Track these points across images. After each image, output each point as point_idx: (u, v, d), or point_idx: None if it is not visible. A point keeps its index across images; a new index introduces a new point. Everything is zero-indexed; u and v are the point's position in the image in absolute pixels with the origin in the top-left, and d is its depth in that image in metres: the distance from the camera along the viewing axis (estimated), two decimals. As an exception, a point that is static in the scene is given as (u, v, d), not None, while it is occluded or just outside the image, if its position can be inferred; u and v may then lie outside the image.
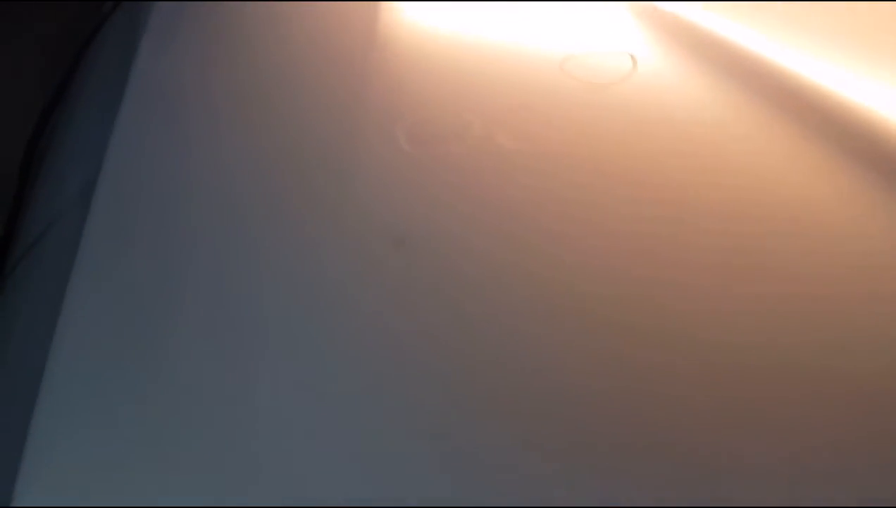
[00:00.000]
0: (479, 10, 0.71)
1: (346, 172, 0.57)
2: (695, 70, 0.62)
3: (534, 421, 0.44)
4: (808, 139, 0.57)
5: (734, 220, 0.53)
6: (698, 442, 0.43)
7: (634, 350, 0.47)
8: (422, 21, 0.71)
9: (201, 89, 0.68)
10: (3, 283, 0.68)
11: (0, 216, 0.84)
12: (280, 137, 0.61)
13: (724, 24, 0.65)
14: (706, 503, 0.41)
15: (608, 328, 0.48)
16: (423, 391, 0.45)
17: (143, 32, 0.76)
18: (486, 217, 0.54)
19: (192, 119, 0.65)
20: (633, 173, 0.57)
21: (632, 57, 0.63)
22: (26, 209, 0.80)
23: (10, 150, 0.90)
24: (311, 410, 0.45)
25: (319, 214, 0.55)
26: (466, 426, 0.44)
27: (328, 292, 0.50)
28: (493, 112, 0.60)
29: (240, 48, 0.71)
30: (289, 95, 0.65)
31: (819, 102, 0.59)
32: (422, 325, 0.48)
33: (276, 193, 0.58)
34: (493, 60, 0.66)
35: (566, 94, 0.62)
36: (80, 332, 0.51)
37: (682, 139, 0.59)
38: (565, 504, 0.41)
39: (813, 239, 0.52)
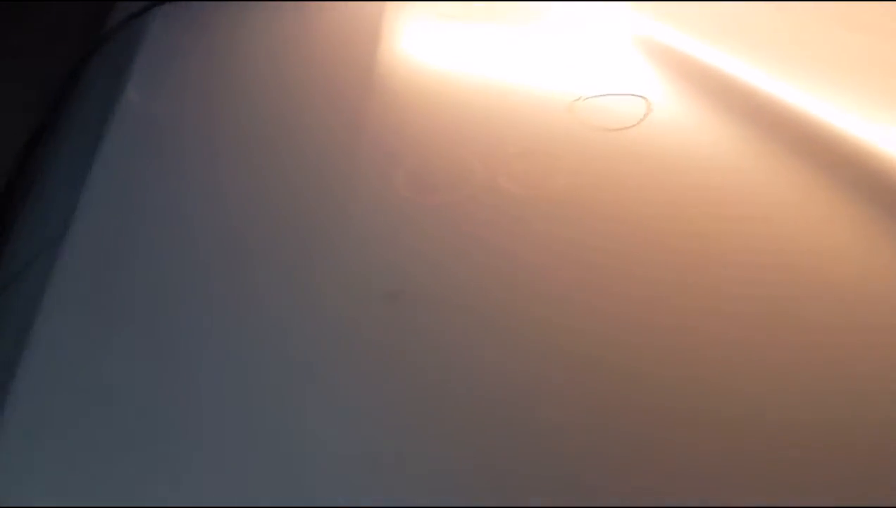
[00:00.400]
0: (485, 49, 0.68)
1: (342, 220, 0.54)
2: (711, 114, 0.59)
3: (529, 478, 0.41)
4: (830, 186, 0.54)
5: (750, 268, 0.51)
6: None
7: (640, 400, 0.44)
8: (425, 61, 0.68)
9: (191, 126, 0.65)
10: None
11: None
12: (273, 180, 0.58)
13: (740, 66, 0.62)
14: None
15: (613, 379, 0.45)
16: (415, 448, 0.43)
17: (133, 65, 0.74)
18: (485, 267, 0.50)
19: (180, 158, 0.62)
20: (645, 222, 0.54)
21: (646, 101, 0.60)
22: (4, 247, 0.77)
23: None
24: (299, 463, 0.42)
25: (313, 263, 0.51)
26: (457, 481, 0.41)
27: (319, 342, 0.47)
28: (496, 157, 0.57)
29: (235, 84, 0.68)
30: (284, 134, 0.62)
31: (839, 146, 0.56)
32: (415, 378, 0.45)
33: (267, 236, 0.54)
34: (498, 102, 0.63)
35: (575, 139, 0.58)
36: (54, 337, 0.49)
37: (697, 187, 0.56)
38: None
39: (831, 289, 0.50)
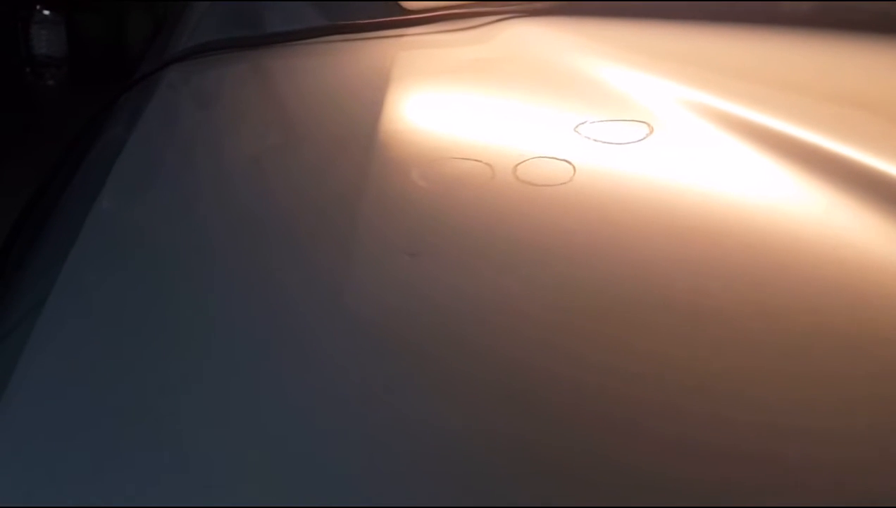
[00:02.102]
0: (493, 86, 0.72)
1: (366, 203, 0.57)
2: (707, 136, 0.62)
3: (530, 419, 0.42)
4: (835, 205, 0.56)
5: (750, 272, 0.52)
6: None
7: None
8: (437, 93, 0.72)
9: (187, 185, 0.64)
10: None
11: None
12: (291, 187, 0.60)
13: (738, 104, 0.65)
14: None
15: (614, 334, 0.47)
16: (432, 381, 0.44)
17: (133, 131, 0.75)
18: (490, 234, 0.54)
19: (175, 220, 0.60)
20: (641, 218, 0.56)
21: (648, 125, 0.63)
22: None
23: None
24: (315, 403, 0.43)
25: (346, 234, 0.54)
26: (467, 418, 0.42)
27: (354, 286, 0.50)
28: (505, 163, 0.59)
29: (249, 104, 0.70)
30: (295, 157, 0.64)
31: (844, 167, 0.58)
32: (429, 312, 0.48)
33: (291, 230, 0.56)
34: (507, 125, 0.66)
35: (582, 151, 0.61)
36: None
37: (690, 193, 0.58)
38: None
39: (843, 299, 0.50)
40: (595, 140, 0.62)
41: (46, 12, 2.68)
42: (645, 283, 0.50)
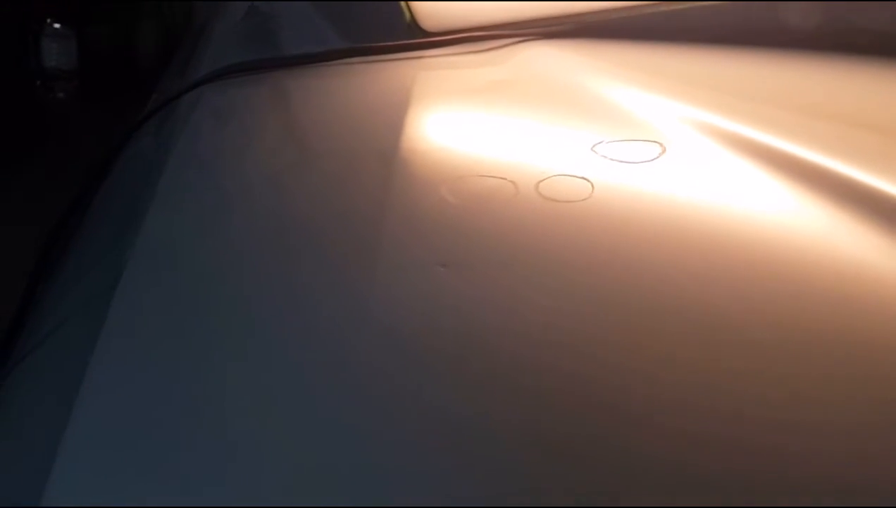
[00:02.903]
0: (512, 106, 0.76)
1: (396, 217, 0.60)
2: (717, 156, 0.66)
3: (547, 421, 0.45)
4: (838, 221, 0.59)
5: (757, 284, 0.55)
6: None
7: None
8: (459, 113, 0.75)
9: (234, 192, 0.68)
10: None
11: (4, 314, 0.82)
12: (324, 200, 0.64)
13: (744, 124, 0.69)
14: None
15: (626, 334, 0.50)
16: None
17: (174, 144, 0.79)
18: (515, 247, 0.57)
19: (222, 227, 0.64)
20: (653, 230, 0.60)
21: (660, 144, 0.67)
22: (34, 309, 0.79)
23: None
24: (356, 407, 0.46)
25: (379, 247, 0.57)
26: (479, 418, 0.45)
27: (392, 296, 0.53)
28: (529, 180, 0.63)
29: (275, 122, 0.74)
30: (327, 171, 0.68)
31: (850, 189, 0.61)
32: (459, 317, 0.51)
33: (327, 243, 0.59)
34: (528, 144, 0.70)
35: (600, 170, 0.65)
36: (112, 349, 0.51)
37: (700, 208, 0.62)
38: None
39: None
40: (611, 159, 0.66)
41: (57, 25, 2.71)
42: (659, 292, 0.54)
